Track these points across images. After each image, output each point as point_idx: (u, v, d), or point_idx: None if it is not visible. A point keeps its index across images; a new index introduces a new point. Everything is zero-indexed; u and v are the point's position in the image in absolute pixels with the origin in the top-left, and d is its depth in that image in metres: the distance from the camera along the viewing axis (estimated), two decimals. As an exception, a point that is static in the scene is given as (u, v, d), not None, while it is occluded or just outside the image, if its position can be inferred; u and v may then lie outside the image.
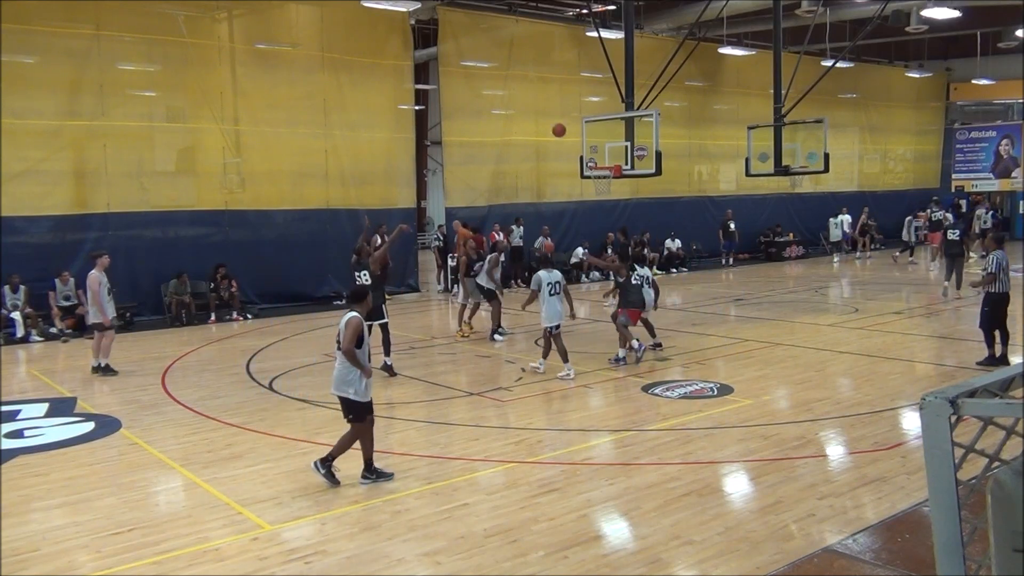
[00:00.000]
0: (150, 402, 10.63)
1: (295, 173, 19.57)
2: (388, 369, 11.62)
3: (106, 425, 9.51)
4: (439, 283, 22.82)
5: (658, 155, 16.40)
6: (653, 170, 16.56)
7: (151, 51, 17.78)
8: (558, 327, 11.40)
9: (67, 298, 16.13)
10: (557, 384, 11.08)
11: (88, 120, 16.94)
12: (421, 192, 24.55)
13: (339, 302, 19.43)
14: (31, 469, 8.05)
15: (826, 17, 23.66)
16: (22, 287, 15.71)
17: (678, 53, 18.67)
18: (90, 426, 9.53)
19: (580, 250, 23.34)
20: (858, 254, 28.71)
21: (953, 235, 19.02)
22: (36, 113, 16.46)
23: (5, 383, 11.92)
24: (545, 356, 11.59)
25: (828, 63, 21.83)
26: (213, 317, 17.44)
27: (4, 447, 8.70)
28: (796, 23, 23.15)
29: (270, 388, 11.23)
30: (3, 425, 9.50)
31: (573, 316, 12.06)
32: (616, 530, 6.50)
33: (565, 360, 11.31)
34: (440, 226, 23.35)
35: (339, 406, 7.44)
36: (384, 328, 11.61)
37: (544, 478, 7.39)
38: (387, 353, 11.71)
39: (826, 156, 19.96)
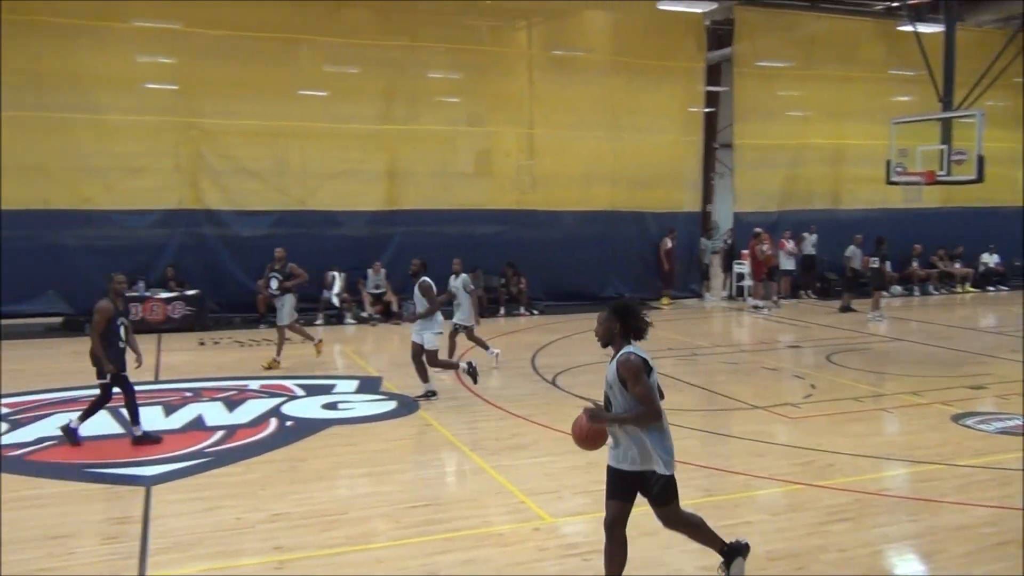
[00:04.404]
0: (445, 388, 11.35)
1: (583, 175, 20.00)
2: None
3: (406, 405, 10.30)
4: (724, 289, 22.27)
5: (980, 160, 14.77)
6: (974, 176, 14.94)
7: (457, 60, 19.08)
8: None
9: (377, 286, 17.73)
10: (852, 405, 10.33)
11: (401, 124, 18.51)
12: (708, 196, 24.02)
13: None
14: (343, 439, 8.93)
15: None
16: (342, 275, 17.54)
17: (1007, 48, 16.64)
18: (392, 405, 10.38)
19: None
20: None
21: None
22: (358, 118, 18.30)
23: (326, 359, 13.32)
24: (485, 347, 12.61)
25: None
26: (502, 311, 18.35)
27: (321, 417, 9.74)
28: None
29: (553, 383, 11.56)
30: (320, 397, 10.63)
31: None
32: (916, 573, 5.91)
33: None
34: (730, 230, 22.74)
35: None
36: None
37: (834, 505, 6.90)
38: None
39: None
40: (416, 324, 10.63)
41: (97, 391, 8.54)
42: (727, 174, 25.51)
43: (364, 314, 17.49)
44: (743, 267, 21.07)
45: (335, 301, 17.42)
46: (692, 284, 21.57)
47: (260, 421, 9.50)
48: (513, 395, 10.81)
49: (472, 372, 10.77)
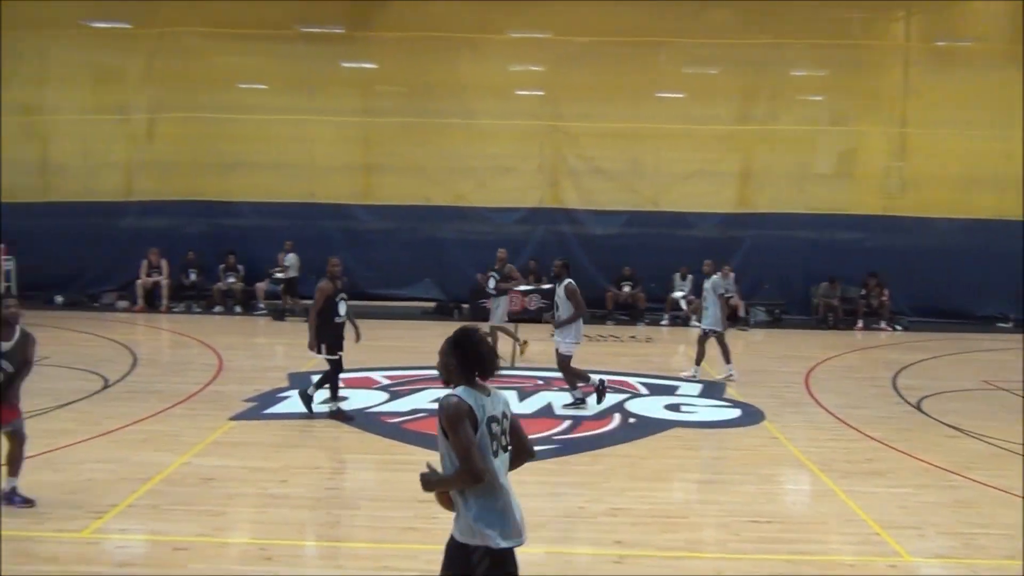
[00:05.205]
0: (793, 400, 10.85)
1: (964, 179, 17.94)
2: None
3: (750, 415, 9.98)
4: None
5: None
6: None
7: (822, 55, 18.19)
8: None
9: (726, 290, 17.34)
10: None
11: (759, 124, 18.09)
12: None
13: (1004, 324, 17.44)
14: (684, 442, 8.90)
15: None
16: (689, 276, 17.48)
17: None
18: (736, 412, 10.12)
19: None
20: None
21: None
22: (714, 119, 18.22)
23: (668, 360, 13.37)
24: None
25: None
26: (860, 324, 17.13)
27: (663, 417, 9.77)
28: None
29: (917, 408, 10.51)
30: (663, 397, 10.68)
31: None
32: None
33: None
34: None
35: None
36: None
37: None
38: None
39: None
40: (558, 330, 10.09)
41: (329, 366, 9.23)
42: None
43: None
44: None
45: (682, 304, 17.44)
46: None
47: (605, 415, 9.76)
48: (869, 416, 9.99)
49: (601, 390, 9.92)
